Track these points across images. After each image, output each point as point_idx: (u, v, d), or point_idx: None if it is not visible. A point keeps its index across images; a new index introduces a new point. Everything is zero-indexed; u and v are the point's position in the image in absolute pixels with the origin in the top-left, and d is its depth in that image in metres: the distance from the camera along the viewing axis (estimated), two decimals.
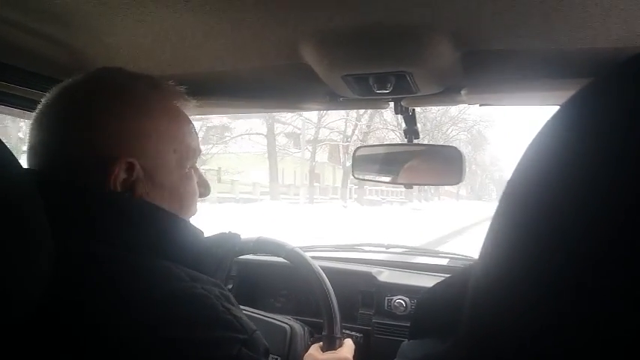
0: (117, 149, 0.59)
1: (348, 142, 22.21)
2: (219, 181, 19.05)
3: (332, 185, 28.27)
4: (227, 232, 0.69)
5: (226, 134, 21.27)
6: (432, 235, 9.98)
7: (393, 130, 23.22)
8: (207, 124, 19.46)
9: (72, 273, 0.49)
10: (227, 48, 0.83)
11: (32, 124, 0.63)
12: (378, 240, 1.79)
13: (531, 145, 0.23)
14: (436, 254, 1.77)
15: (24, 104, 0.92)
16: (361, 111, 20.98)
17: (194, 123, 0.72)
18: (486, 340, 0.23)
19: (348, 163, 21.95)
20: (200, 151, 0.70)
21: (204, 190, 0.72)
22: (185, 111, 0.69)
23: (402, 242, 1.87)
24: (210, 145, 19.49)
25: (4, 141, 0.39)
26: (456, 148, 1.10)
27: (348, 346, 1.05)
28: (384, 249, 1.72)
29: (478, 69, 0.87)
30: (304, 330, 1.21)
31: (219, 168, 20.61)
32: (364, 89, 0.93)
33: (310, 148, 22.10)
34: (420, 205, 25.24)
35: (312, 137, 22.08)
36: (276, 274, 1.45)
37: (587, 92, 0.21)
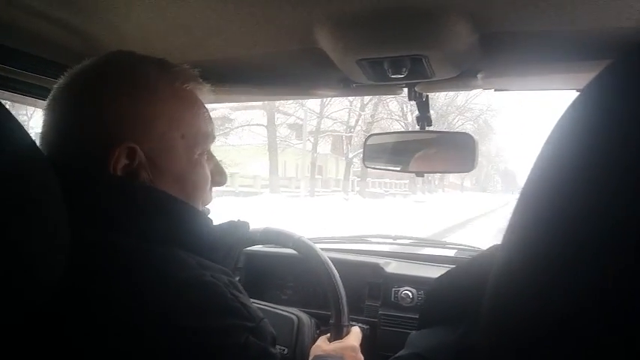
0: (119, 134, 0.58)
1: (351, 132, 22.19)
2: None
3: (335, 178, 28.30)
4: (236, 220, 0.69)
5: (226, 125, 21.21)
6: (434, 228, 9.98)
7: (397, 120, 23.19)
8: None
9: (85, 261, 0.49)
10: (240, 33, 0.83)
11: (45, 109, 0.63)
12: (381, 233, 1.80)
13: (553, 133, 0.23)
14: (443, 245, 1.77)
15: (37, 92, 0.93)
16: (365, 100, 20.96)
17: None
18: (508, 331, 0.23)
19: (351, 155, 21.96)
20: (214, 137, 0.69)
21: (220, 178, 0.71)
22: (199, 95, 0.67)
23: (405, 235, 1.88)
24: None
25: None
26: (469, 134, 1.10)
27: (355, 334, 1.06)
28: (391, 240, 1.73)
29: (495, 51, 0.87)
30: (311, 321, 1.22)
31: (220, 160, 20.55)
32: (379, 74, 0.93)
33: (312, 139, 22.07)
34: (424, 197, 25.26)
35: (314, 128, 22.04)
36: (283, 266, 1.46)
37: (609, 74, 0.21)
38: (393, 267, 1.40)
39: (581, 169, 0.20)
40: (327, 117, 22.18)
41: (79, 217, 0.50)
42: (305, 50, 0.88)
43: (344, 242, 1.70)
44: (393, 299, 1.32)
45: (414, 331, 0.66)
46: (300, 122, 21.22)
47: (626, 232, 0.17)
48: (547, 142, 0.23)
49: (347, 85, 1.06)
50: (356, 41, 0.83)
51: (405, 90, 1.07)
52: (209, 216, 0.66)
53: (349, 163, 22.39)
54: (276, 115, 21.09)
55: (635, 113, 0.18)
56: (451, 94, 23.23)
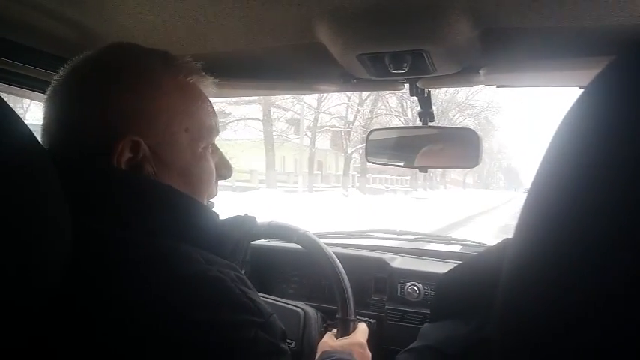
0: (123, 127, 0.59)
1: (350, 128, 22.16)
2: None
3: (335, 173, 28.31)
4: (243, 214, 0.69)
5: (222, 120, 21.15)
6: (434, 225, 9.98)
7: (397, 116, 23.15)
8: None
9: (91, 255, 0.50)
10: (240, 27, 0.83)
11: (45, 101, 0.63)
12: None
13: (559, 130, 0.23)
14: (449, 241, 1.80)
15: (35, 84, 0.94)
16: (364, 96, 20.90)
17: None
18: (521, 325, 0.23)
19: (350, 150, 21.95)
20: (218, 130, 0.69)
21: (226, 171, 0.72)
22: (202, 88, 0.68)
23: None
24: None
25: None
26: (472, 130, 1.11)
27: (361, 331, 1.07)
28: (395, 235, 1.75)
29: (497, 47, 0.88)
30: (318, 315, 1.24)
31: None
32: (380, 69, 0.94)
33: (310, 134, 22.05)
34: (425, 193, 25.27)
35: (311, 123, 22.00)
36: (288, 260, 1.48)
37: (612, 71, 0.21)
38: (398, 262, 1.42)
39: (587, 167, 0.20)
40: (324, 112, 22.13)
41: (83, 211, 0.51)
42: (305, 45, 0.89)
43: (348, 237, 1.72)
44: (399, 294, 1.34)
45: (426, 324, 0.67)
46: (298, 117, 21.18)
47: (634, 228, 0.17)
48: (553, 139, 0.23)
49: (348, 80, 1.07)
50: (356, 36, 0.83)
51: (407, 85, 1.08)
52: (215, 210, 0.66)
53: (348, 159, 22.38)
54: (273, 110, 21.05)
55: (635, 110, 0.19)
56: (451, 90, 23.19)
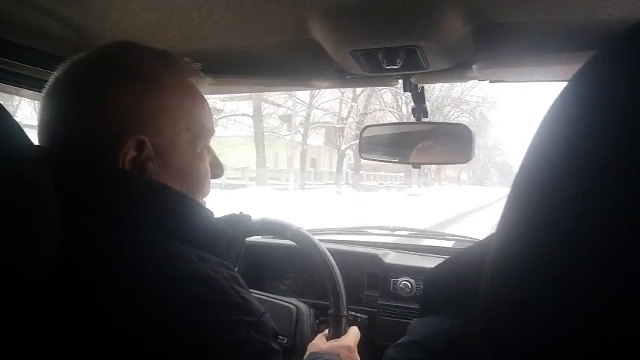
0: (128, 126, 0.60)
1: (343, 124, 22.17)
2: None
3: (328, 170, 28.32)
4: (238, 213, 0.71)
5: (214, 117, 20.92)
6: (427, 222, 10.01)
7: (391, 112, 23.19)
8: None
9: (87, 253, 0.51)
10: (234, 24, 0.85)
11: (43, 98, 0.63)
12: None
13: (542, 123, 0.24)
14: (442, 236, 1.83)
15: (29, 83, 0.94)
16: (358, 91, 20.88)
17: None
18: (502, 315, 0.24)
19: (343, 147, 21.97)
20: (213, 131, 0.71)
21: (218, 170, 0.74)
22: (200, 89, 0.69)
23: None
24: None
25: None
26: (465, 125, 1.13)
27: (352, 334, 1.08)
28: (389, 232, 1.77)
29: (490, 43, 0.90)
30: (310, 311, 1.26)
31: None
32: (373, 65, 0.96)
33: (302, 130, 22.02)
34: (419, 190, 25.37)
35: (303, 119, 21.96)
36: (281, 256, 1.50)
37: (593, 64, 0.22)
38: (391, 257, 1.44)
39: (566, 160, 0.21)
40: (317, 108, 22.12)
41: (78, 210, 0.52)
42: (299, 41, 0.90)
43: (342, 233, 1.74)
44: (391, 289, 1.36)
45: (414, 319, 0.68)
46: (291, 113, 21.14)
47: (608, 220, 0.18)
48: (536, 133, 0.24)
49: (341, 76, 1.08)
50: (349, 32, 0.85)
51: (401, 81, 1.10)
52: (209, 209, 0.68)
53: (341, 155, 22.41)
54: (265, 106, 20.99)
55: (613, 105, 0.20)
56: (446, 85, 23.20)
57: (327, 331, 1.11)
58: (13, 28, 0.83)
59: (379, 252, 1.45)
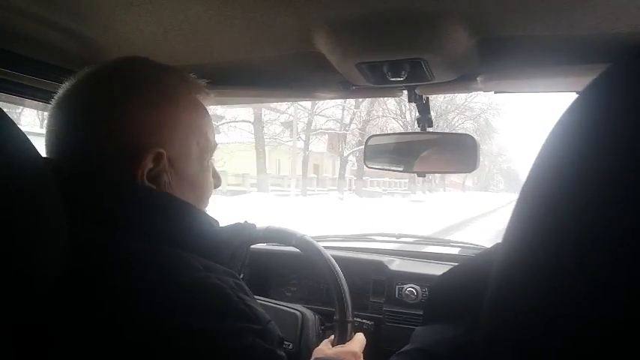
0: (146, 138, 0.62)
1: (345, 130, 22.18)
2: None
3: (331, 177, 28.33)
4: (243, 222, 0.73)
5: (215, 123, 20.92)
6: (431, 229, 9.97)
7: (395, 119, 23.18)
8: None
9: (93, 261, 0.53)
10: (239, 37, 0.86)
11: (52, 109, 0.65)
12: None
13: (551, 133, 0.24)
14: (447, 243, 1.84)
15: (35, 94, 0.97)
16: (360, 99, 20.88)
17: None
18: (506, 324, 0.24)
19: (346, 153, 21.98)
20: (216, 145, 0.74)
21: (217, 181, 0.77)
22: (204, 103, 0.73)
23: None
24: None
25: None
26: (470, 136, 1.15)
27: (358, 340, 1.09)
28: (394, 238, 1.79)
29: (494, 55, 0.91)
30: (315, 317, 1.27)
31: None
32: (378, 77, 0.97)
33: (304, 137, 22.04)
34: (423, 196, 25.30)
35: (305, 126, 21.98)
36: (286, 263, 1.52)
37: (606, 78, 0.22)
38: (396, 264, 1.45)
39: (576, 171, 0.21)
40: (319, 114, 22.13)
41: (87, 219, 0.54)
42: (304, 54, 0.92)
43: (346, 240, 1.76)
44: (397, 296, 1.37)
45: (418, 327, 0.70)
46: (292, 119, 21.14)
47: (616, 231, 0.18)
48: (545, 144, 0.24)
49: (346, 88, 1.10)
50: (355, 45, 0.86)
51: (405, 92, 1.11)
52: (214, 217, 0.70)
53: (344, 162, 22.41)
54: (266, 112, 21.01)
55: (627, 117, 0.20)
56: None
57: (332, 336, 1.12)
58: (20, 40, 0.85)
59: (384, 259, 1.47)
